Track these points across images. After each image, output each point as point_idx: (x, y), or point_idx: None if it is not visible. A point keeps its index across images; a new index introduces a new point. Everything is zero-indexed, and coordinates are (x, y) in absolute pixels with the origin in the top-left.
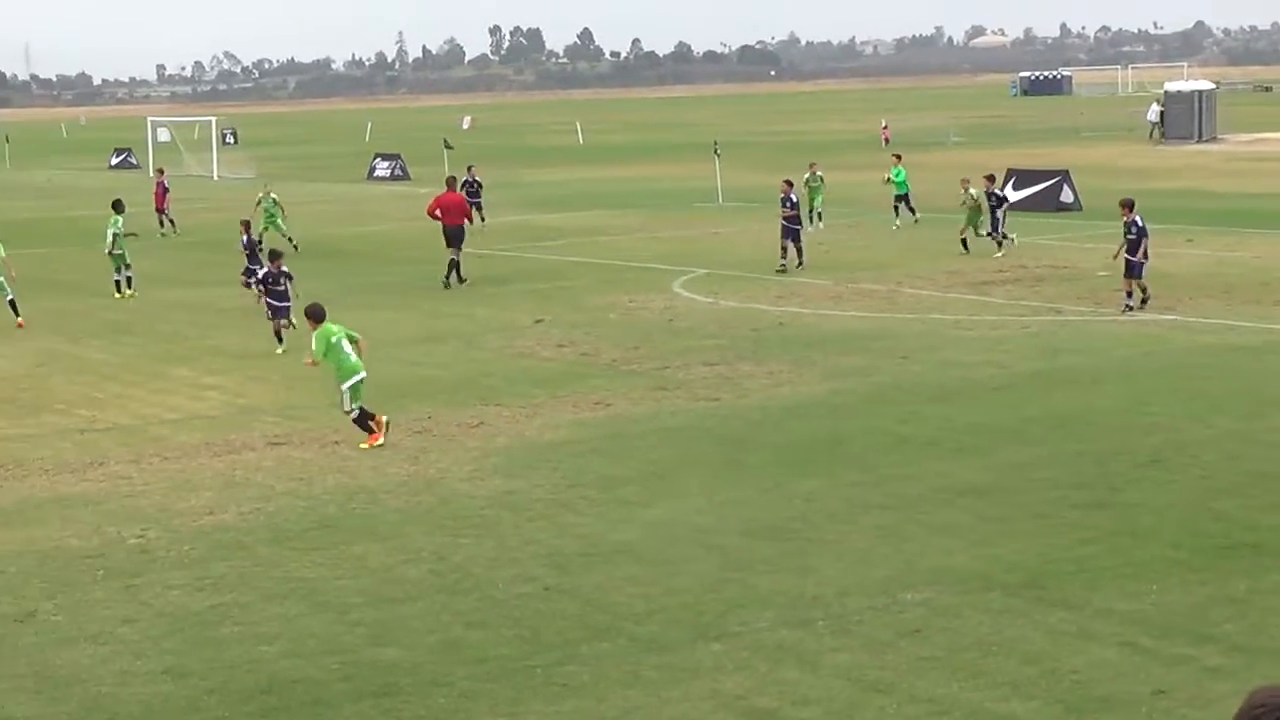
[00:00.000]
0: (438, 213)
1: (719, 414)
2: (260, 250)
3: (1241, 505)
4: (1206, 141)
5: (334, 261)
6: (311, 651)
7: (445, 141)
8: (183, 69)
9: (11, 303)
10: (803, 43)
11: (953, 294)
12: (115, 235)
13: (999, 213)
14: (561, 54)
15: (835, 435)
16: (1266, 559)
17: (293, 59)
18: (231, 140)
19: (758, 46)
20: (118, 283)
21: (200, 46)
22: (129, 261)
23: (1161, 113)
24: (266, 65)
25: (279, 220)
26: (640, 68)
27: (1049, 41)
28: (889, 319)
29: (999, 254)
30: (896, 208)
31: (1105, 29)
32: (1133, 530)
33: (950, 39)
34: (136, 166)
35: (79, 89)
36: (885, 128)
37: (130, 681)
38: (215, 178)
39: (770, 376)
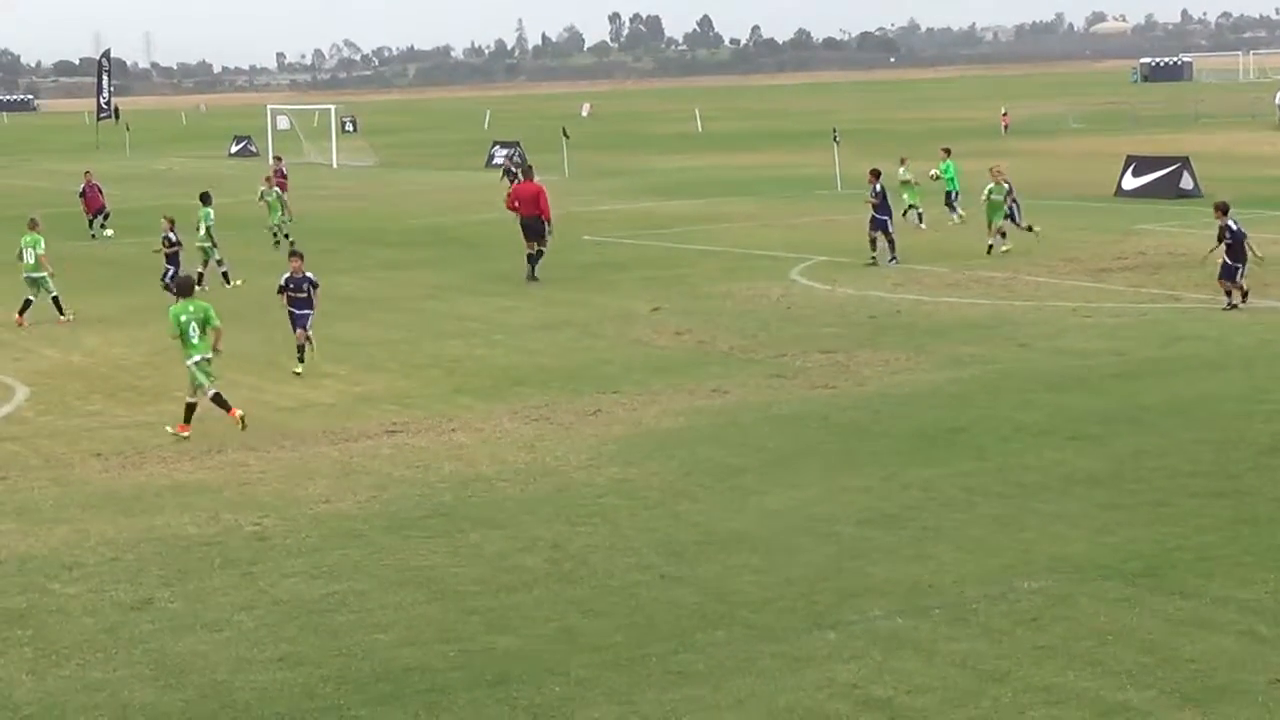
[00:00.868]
0: (516, 204)
1: (836, 402)
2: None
3: None
4: None
5: (451, 249)
6: (427, 639)
7: (564, 130)
8: (302, 57)
9: (55, 299)
10: (923, 29)
11: (1070, 281)
12: (209, 227)
13: (1010, 204)
14: (681, 41)
15: (952, 423)
16: None
17: (412, 47)
18: (351, 128)
19: (877, 33)
20: (225, 274)
21: (320, 35)
22: (219, 257)
23: None
24: (386, 53)
25: (279, 215)
26: (759, 55)
27: (1170, 27)
28: (1007, 306)
29: (1005, 247)
30: (950, 204)
31: (1226, 15)
32: (1251, 518)
33: (1071, 25)
34: (256, 154)
35: (199, 77)
36: (1005, 115)
37: (246, 669)
38: (334, 165)
39: (887, 364)
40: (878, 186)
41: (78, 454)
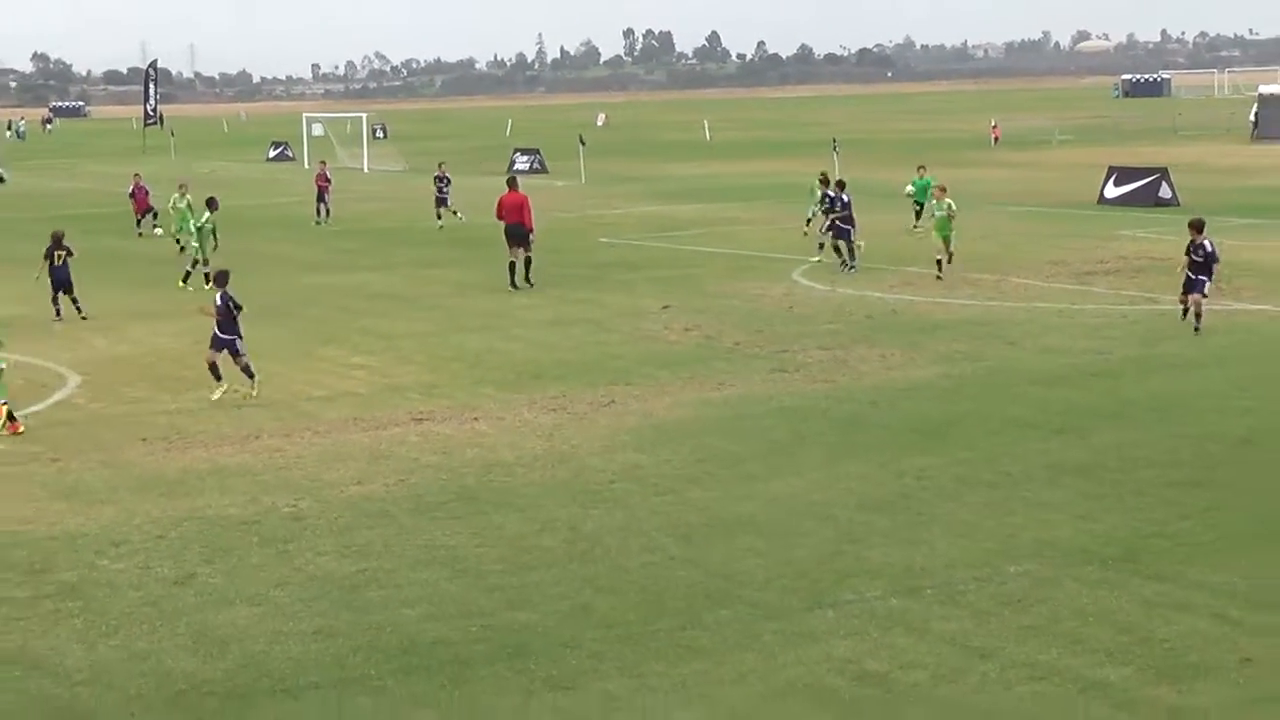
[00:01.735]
0: (502, 213)
1: (835, 395)
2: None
3: None
4: None
5: (474, 249)
6: (450, 615)
7: (580, 137)
8: (336, 68)
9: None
10: (918, 46)
11: (1056, 284)
12: (198, 228)
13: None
14: (690, 55)
15: (945, 416)
16: None
17: (439, 59)
18: (381, 135)
19: (875, 49)
20: (205, 274)
21: (352, 47)
22: (203, 256)
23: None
24: (414, 65)
25: (190, 223)
26: (764, 69)
27: (1150, 46)
28: (996, 307)
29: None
30: (917, 212)
31: (1203, 34)
32: (1225, 507)
33: (1057, 43)
34: (292, 159)
35: (239, 86)
36: (995, 127)
37: (282, 641)
38: (365, 170)
39: (883, 360)
40: (845, 197)
41: (125, 439)
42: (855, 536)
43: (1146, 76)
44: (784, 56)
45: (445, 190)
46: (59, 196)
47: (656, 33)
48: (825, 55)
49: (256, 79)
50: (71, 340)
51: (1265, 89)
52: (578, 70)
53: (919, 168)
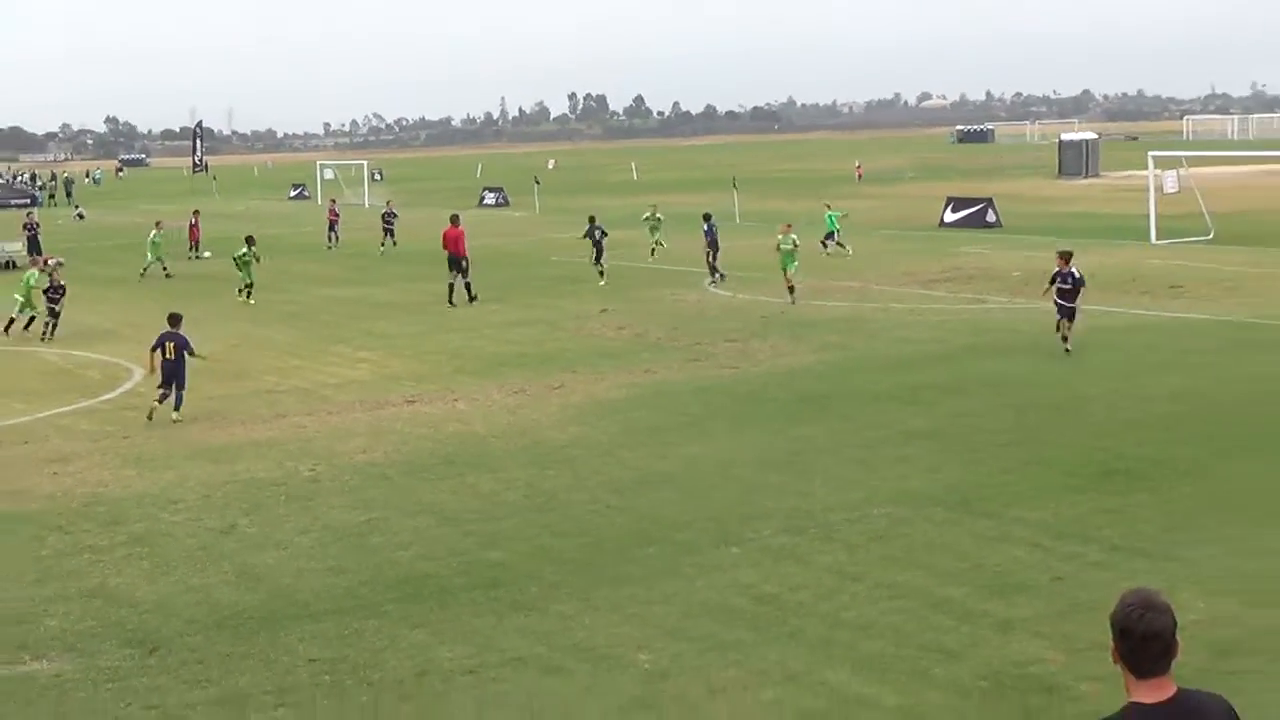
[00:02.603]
0: (445, 244)
1: (737, 378)
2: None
3: (1118, 443)
4: (1092, 177)
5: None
6: (437, 554)
7: (535, 178)
8: (343, 125)
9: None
10: (798, 104)
11: (907, 289)
12: (236, 258)
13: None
14: (621, 113)
15: (822, 393)
16: (1135, 482)
17: (423, 117)
18: (379, 177)
19: (764, 107)
20: (247, 289)
21: (356, 108)
22: (250, 279)
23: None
24: (404, 122)
25: (162, 253)
26: (679, 123)
27: (977, 103)
28: (861, 308)
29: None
30: (824, 243)
31: (1018, 94)
32: (1039, 461)
33: (905, 101)
34: (308, 198)
35: (266, 141)
36: (859, 167)
37: (305, 576)
38: (366, 205)
39: (774, 350)
40: (707, 226)
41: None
42: (754, 488)
43: (975, 127)
44: (694, 113)
45: (391, 222)
46: (124, 229)
47: (594, 95)
48: (726, 112)
49: (280, 134)
50: (136, 344)
51: (1065, 136)
52: (533, 125)
53: (826, 204)
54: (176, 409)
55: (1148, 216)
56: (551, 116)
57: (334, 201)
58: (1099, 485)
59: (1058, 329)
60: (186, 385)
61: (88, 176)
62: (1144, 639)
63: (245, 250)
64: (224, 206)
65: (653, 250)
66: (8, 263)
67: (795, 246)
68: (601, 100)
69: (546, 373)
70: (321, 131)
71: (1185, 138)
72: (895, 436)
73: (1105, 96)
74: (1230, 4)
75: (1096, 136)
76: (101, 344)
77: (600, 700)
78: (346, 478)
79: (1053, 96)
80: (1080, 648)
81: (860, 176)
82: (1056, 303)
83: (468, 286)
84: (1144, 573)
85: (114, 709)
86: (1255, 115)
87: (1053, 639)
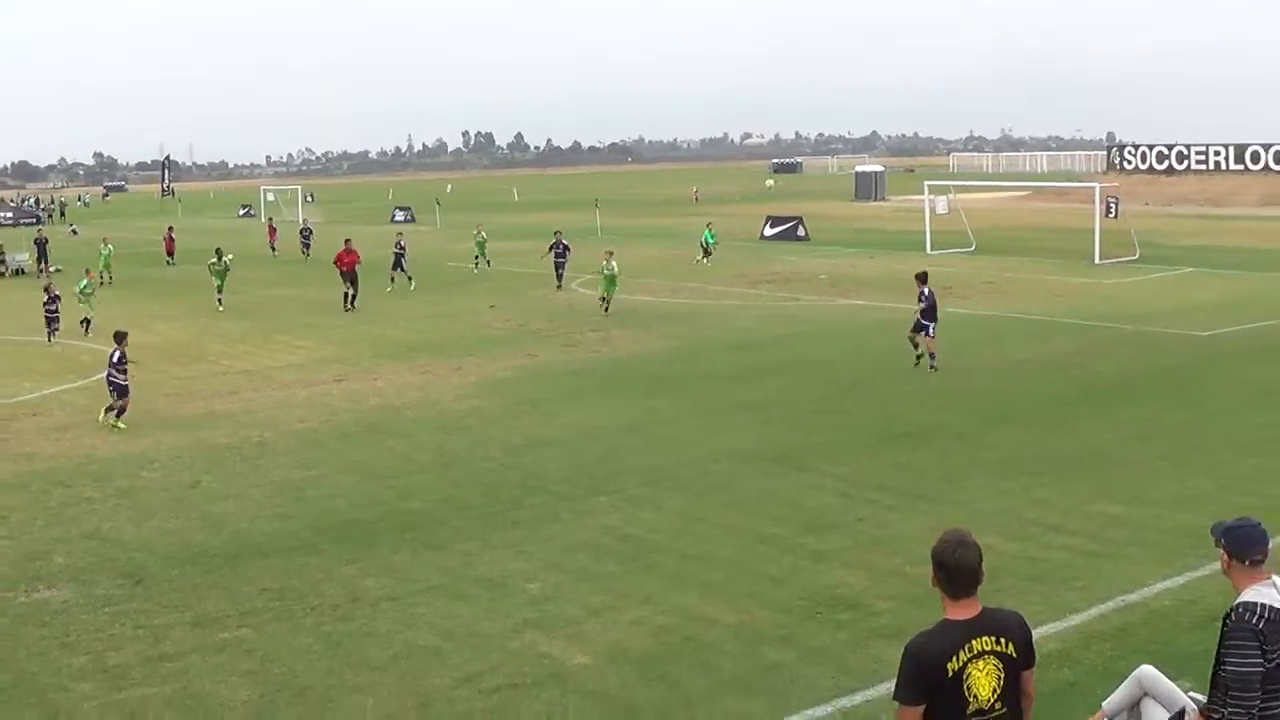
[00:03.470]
0: (339, 263)
1: (602, 360)
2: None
3: (904, 411)
4: (880, 201)
5: (369, 273)
6: (364, 504)
7: (436, 200)
8: (281, 157)
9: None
10: (646, 141)
11: (737, 289)
12: (211, 265)
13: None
14: (505, 148)
15: (671, 373)
16: (917, 442)
17: (345, 150)
18: (311, 200)
19: (620, 143)
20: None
21: (292, 143)
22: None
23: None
24: (330, 154)
25: (109, 263)
26: (552, 156)
27: (789, 141)
28: (701, 304)
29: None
30: (706, 252)
31: (821, 134)
32: (843, 426)
33: (732, 139)
34: (253, 216)
35: (220, 170)
36: (696, 192)
37: (257, 522)
38: (300, 221)
39: (631, 338)
40: (564, 243)
41: (154, 395)
42: (617, 448)
43: (788, 160)
44: (563, 148)
45: (308, 238)
46: (116, 242)
47: (483, 133)
48: (589, 147)
49: (231, 165)
50: (108, 334)
51: (859, 168)
52: (433, 157)
53: (708, 223)
54: (119, 417)
55: (924, 232)
56: (449, 150)
57: (272, 219)
58: (890, 445)
59: (915, 348)
60: (129, 398)
61: (79, 200)
62: (956, 569)
63: (215, 259)
64: (187, 222)
65: (475, 263)
66: (19, 270)
67: (615, 274)
68: (489, 137)
69: (448, 356)
70: (264, 162)
71: (951, 170)
72: (729, 407)
73: (889, 136)
74: (985, 67)
75: (883, 169)
76: (95, 338)
77: (498, 620)
78: (288, 442)
79: (848, 136)
80: (879, 574)
81: (697, 199)
82: (917, 319)
83: (354, 297)
84: (925, 513)
85: (110, 629)
86: (1004, 153)
87: (857, 567)
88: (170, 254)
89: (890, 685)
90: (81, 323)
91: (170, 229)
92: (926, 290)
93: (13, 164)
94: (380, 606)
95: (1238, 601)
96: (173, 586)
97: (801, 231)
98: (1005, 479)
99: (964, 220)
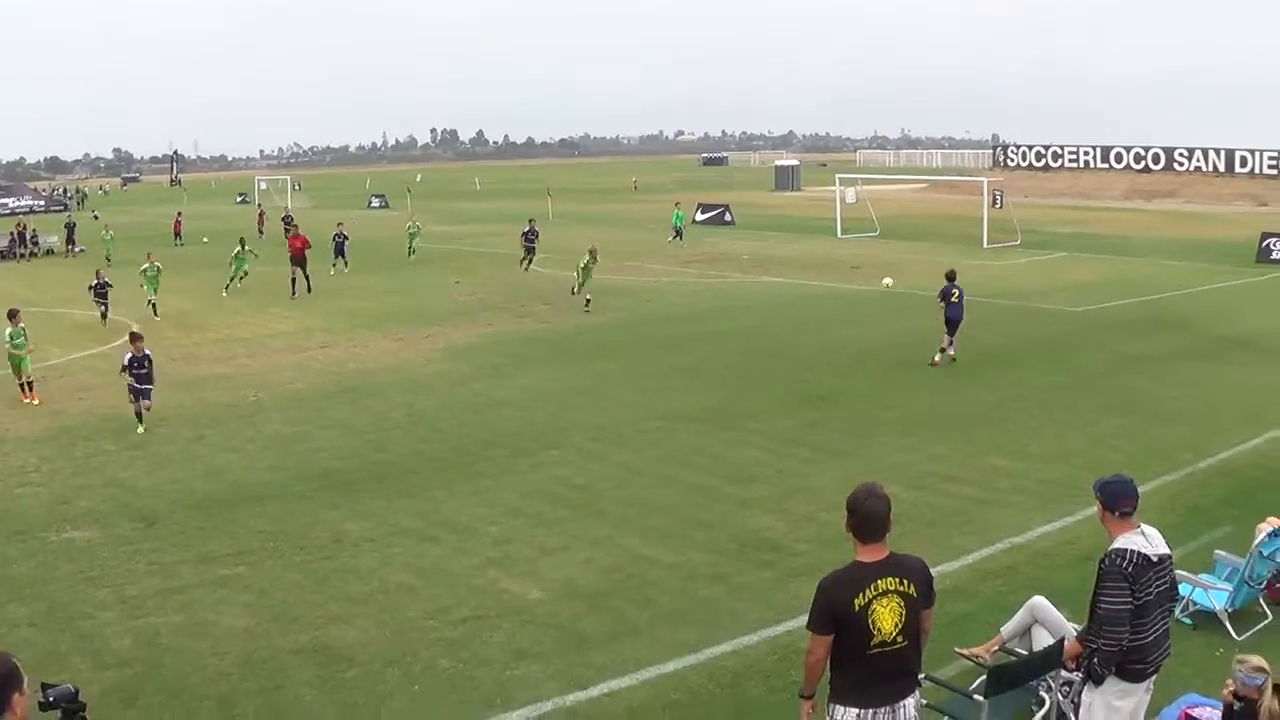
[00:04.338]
0: (291, 251)
1: (553, 330)
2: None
3: (817, 376)
4: (796, 191)
5: (352, 252)
6: (344, 455)
7: (408, 188)
8: (274, 151)
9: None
10: (591, 137)
11: (671, 267)
12: (237, 254)
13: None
14: (467, 142)
15: (613, 341)
16: (828, 403)
17: (328, 145)
18: (298, 188)
19: (568, 139)
20: (233, 279)
21: (281, 138)
22: (240, 271)
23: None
24: (315, 148)
25: (157, 285)
26: (509, 150)
27: (716, 138)
28: (640, 281)
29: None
30: (678, 235)
31: (745, 132)
32: (764, 389)
33: (666, 136)
34: (248, 202)
35: (220, 162)
36: (635, 181)
37: (252, 472)
38: (290, 207)
39: (578, 311)
40: (535, 229)
41: (163, 359)
42: (567, 407)
43: (716, 154)
44: (519, 143)
45: (290, 223)
46: (125, 225)
47: (448, 130)
48: (541, 143)
49: (230, 158)
50: (133, 305)
51: (778, 163)
52: (405, 151)
53: (676, 203)
54: (142, 419)
55: (835, 219)
56: (419, 144)
57: (261, 206)
58: (805, 406)
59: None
60: (152, 400)
61: (101, 189)
62: (865, 516)
63: (239, 249)
64: (192, 208)
65: (410, 252)
66: (49, 250)
67: (592, 264)
68: (454, 133)
69: (418, 326)
70: (258, 155)
71: (858, 165)
72: (664, 371)
73: (804, 135)
74: (883, 76)
75: (798, 163)
76: (113, 309)
77: (464, 559)
78: (279, 401)
79: (768, 134)
80: (797, 519)
81: (635, 188)
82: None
83: (308, 278)
84: (837, 466)
85: (127, 565)
86: (904, 151)
87: (778, 513)
88: (178, 234)
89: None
90: (149, 305)
91: (179, 214)
92: (958, 290)
93: (45, 159)
94: (360, 547)
95: (1111, 548)
96: (180, 528)
97: (729, 217)
98: (906, 436)
99: (870, 209)
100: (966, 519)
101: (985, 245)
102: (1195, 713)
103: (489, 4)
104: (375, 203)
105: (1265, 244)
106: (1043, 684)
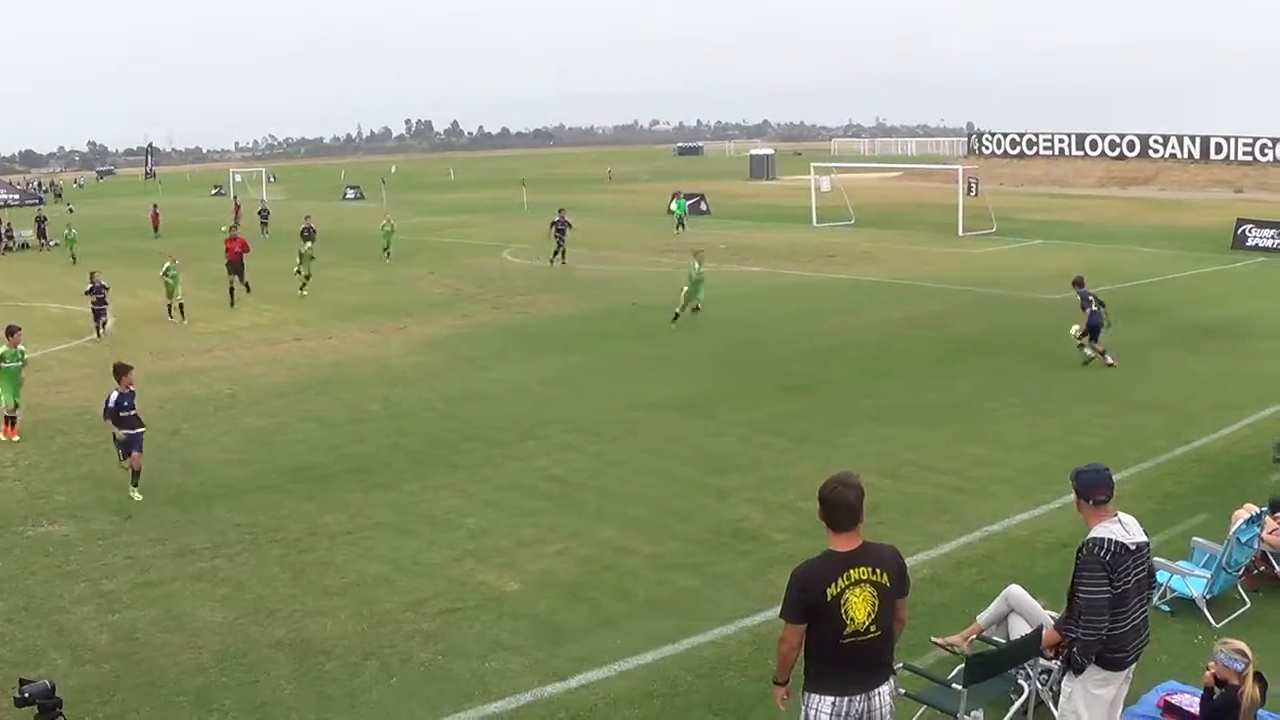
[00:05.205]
0: (228, 253)
1: (529, 321)
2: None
3: (797, 365)
4: (771, 180)
5: (328, 243)
6: (321, 448)
7: (382, 179)
8: (249, 143)
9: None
10: (566, 128)
11: (646, 257)
12: (301, 254)
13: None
14: (442, 134)
15: (589, 331)
16: (806, 393)
17: (303, 137)
18: (273, 180)
19: (543, 129)
20: (300, 272)
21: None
22: (308, 272)
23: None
24: (290, 140)
25: (178, 289)
26: (484, 141)
27: (691, 127)
28: (615, 270)
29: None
30: (680, 225)
31: (720, 121)
32: (741, 379)
33: (641, 126)
34: (223, 195)
35: (195, 155)
36: (609, 171)
37: (228, 465)
38: (265, 199)
39: (555, 301)
40: (564, 217)
41: (140, 353)
42: (544, 400)
43: (691, 144)
44: (493, 134)
45: (266, 218)
46: (101, 218)
47: (423, 121)
48: (516, 133)
49: (205, 150)
50: (114, 300)
51: (753, 152)
52: (379, 142)
53: (675, 193)
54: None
55: (810, 207)
56: (393, 136)
57: (237, 197)
58: (783, 395)
59: (1102, 352)
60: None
61: (75, 183)
62: (836, 505)
63: (309, 245)
64: (167, 201)
65: (385, 252)
66: (24, 245)
67: (701, 278)
68: (428, 124)
69: (392, 318)
70: (233, 148)
71: (833, 153)
72: (640, 361)
73: (778, 124)
74: (858, 67)
75: (773, 152)
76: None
77: (440, 551)
78: (255, 394)
79: (742, 124)
80: (774, 509)
81: (610, 178)
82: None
83: (246, 285)
84: (815, 456)
85: (104, 559)
86: (879, 139)
87: (755, 503)
88: (156, 227)
89: None
90: (177, 308)
91: (155, 206)
92: (1092, 297)
93: (19, 152)
94: (337, 539)
95: (1088, 537)
96: (156, 522)
97: (705, 206)
98: (883, 425)
99: (845, 197)
100: (944, 507)
101: (960, 233)
102: (1174, 700)
103: None
104: (350, 194)
105: (1240, 230)
106: (1021, 672)
